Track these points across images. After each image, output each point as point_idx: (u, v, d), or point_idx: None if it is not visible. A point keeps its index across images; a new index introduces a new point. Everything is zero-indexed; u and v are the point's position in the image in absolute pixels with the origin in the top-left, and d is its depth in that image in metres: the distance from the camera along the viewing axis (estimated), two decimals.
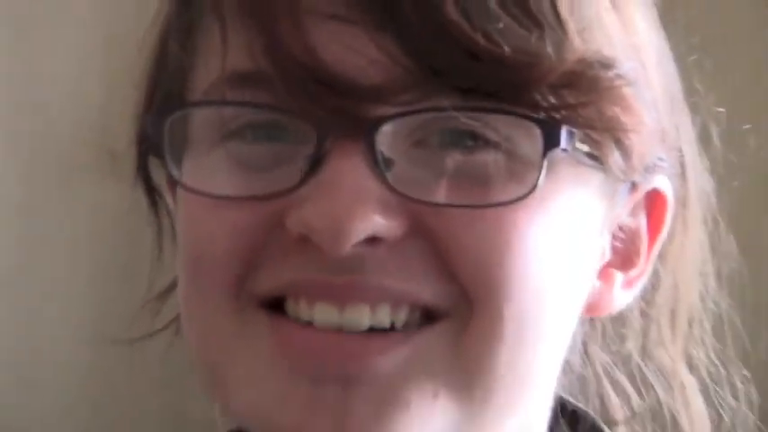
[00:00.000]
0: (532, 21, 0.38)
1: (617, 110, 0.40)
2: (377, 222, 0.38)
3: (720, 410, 0.52)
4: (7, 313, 1.30)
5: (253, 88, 0.39)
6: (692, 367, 0.52)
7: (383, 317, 0.39)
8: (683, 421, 0.52)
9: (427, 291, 0.39)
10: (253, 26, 0.39)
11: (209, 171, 0.41)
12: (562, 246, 0.41)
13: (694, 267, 0.51)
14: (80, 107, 1.36)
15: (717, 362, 0.52)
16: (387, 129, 0.38)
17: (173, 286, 0.50)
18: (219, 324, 0.41)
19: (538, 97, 0.38)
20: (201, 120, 0.42)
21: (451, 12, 0.37)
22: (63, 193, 1.35)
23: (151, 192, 0.49)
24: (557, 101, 0.38)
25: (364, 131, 0.38)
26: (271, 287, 0.40)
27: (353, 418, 0.39)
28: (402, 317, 0.39)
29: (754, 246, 0.54)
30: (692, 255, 0.51)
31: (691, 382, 0.52)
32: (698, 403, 0.52)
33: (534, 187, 0.39)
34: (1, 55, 1.35)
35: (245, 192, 0.40)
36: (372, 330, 0.39)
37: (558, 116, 0.39)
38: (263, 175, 0.40)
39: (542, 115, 0.38)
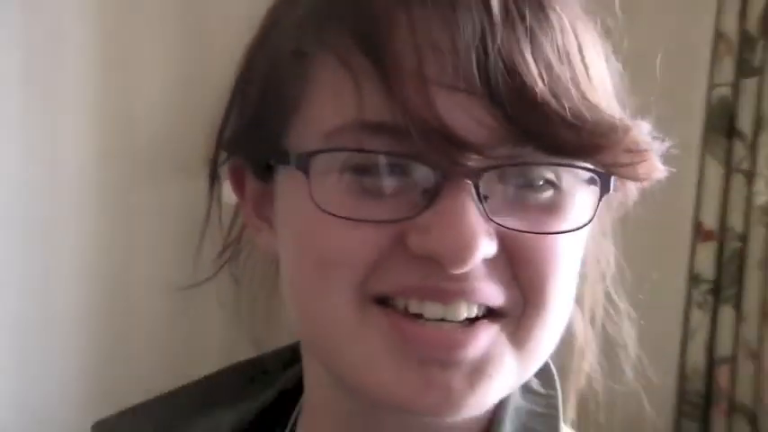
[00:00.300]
0: (588, 101, 0.47)
1: (647, 165, 0.50)
2: (487, 248, 0.47)
3: (616, 336, 0.65)
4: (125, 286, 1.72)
5: (381, 135, 0.47)
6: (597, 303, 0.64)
7: (473, 311, 0.49)
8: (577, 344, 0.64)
9: (502, 294, 0.49)
10: (385, 89, 0.46)
11: (338, 196, 0.48)
12: (579, 252, 0.53)
13: (597, 242, 0.63)
14: (165, 118, 1.59)
15: (617, 301, 0.65)
16: (486, 173, 0.47)
17: (221, 253, 0.64)
18: (344, 314, 0.49)
19: (599, 157, 0.48)
20: (330, 155, 0.48)
21: (543, 91, 0.46)
22: (151, 188, 1.63)
23: (213, 179, 0.60)
24: (610, 159, 0.48)
25: (473, 176, 0.46)
26: (389, 289, 0.49)
27: (456, 391, 0.49)
28: (480, 313, 0.49)
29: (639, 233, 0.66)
30: (596, 233, 0.62)
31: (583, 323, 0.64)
32: (588, 332, 0.64)
33: (591, 220, 0.50)
34: (104, 78, 1.56)
35: (371, 216, 0.48)
36: (466, 319, 0.49)
37: (610, 170, 0.49)
38: (383, 202, 0.48)
39: (600, 168, 0.49)
